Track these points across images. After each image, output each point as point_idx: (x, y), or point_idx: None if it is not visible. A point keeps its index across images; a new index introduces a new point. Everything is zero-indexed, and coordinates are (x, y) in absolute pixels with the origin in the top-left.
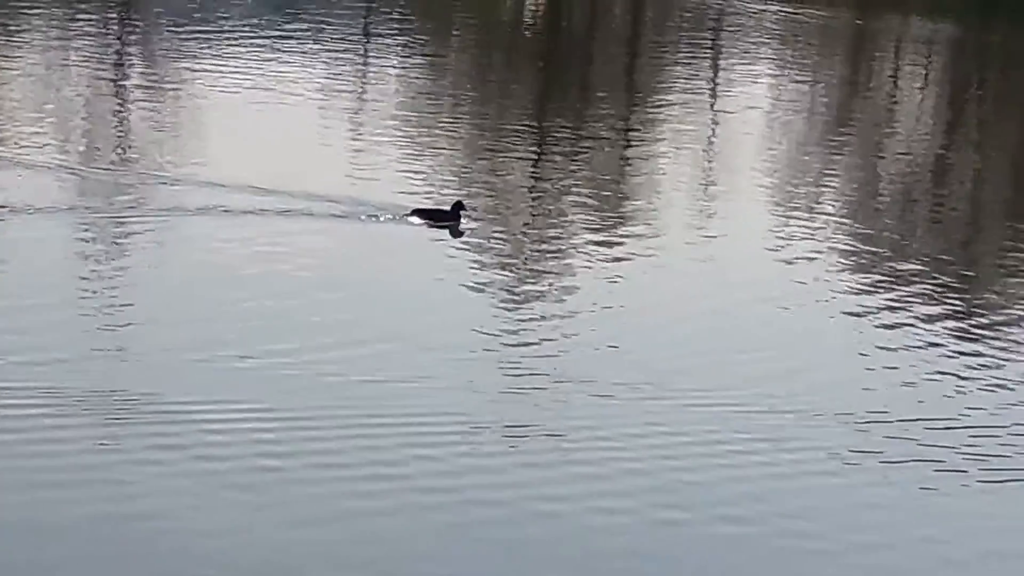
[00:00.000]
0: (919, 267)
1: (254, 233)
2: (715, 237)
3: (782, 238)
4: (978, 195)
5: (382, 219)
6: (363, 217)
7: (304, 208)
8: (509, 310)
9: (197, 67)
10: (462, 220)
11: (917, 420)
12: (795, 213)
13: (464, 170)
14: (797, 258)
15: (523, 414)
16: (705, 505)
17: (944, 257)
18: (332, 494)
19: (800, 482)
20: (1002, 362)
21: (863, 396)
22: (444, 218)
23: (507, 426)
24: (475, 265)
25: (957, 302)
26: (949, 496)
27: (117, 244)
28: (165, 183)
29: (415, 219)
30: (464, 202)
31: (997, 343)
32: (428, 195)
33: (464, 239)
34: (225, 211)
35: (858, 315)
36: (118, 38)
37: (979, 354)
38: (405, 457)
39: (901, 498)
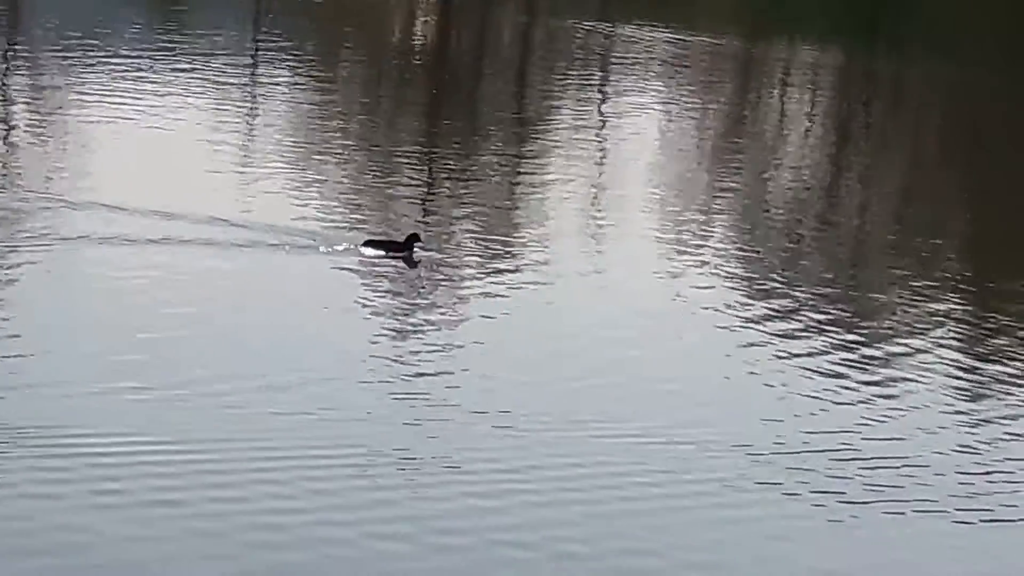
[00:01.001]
0: (810, 295)
1: (150, 261)
2: (607, 267)
3: (673, 267)
4: (865, 221)
5: (324, 249)
6: (323, 249)
7: (196, 236)
8: (405, 340)
9: (83, 91)
10: (415, 251)
11: (816, 451)
12: (685, 241)
13: (354, 197)
14: (689, 287)
15: (421, 446)
16: (606, 537)
17: (833, 285)
18: (231, 528)
19: (702, 514)
20: (894, 389)
21: (760, 426)
22: (398, 249)
23: (405, 458)
24: (372, 294)
25: (848, 330)
26: (851, 527)
27: (4, 271)
28: (52, 209)
29: (368, 250)
30: (419, 234)
31: (888, 371)
32: (321, 222)
33: (360, 267)
34: (120, 238)
35: (751, 344)
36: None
37: (870, 382)
38: (304, 491)
39: (803, 529)
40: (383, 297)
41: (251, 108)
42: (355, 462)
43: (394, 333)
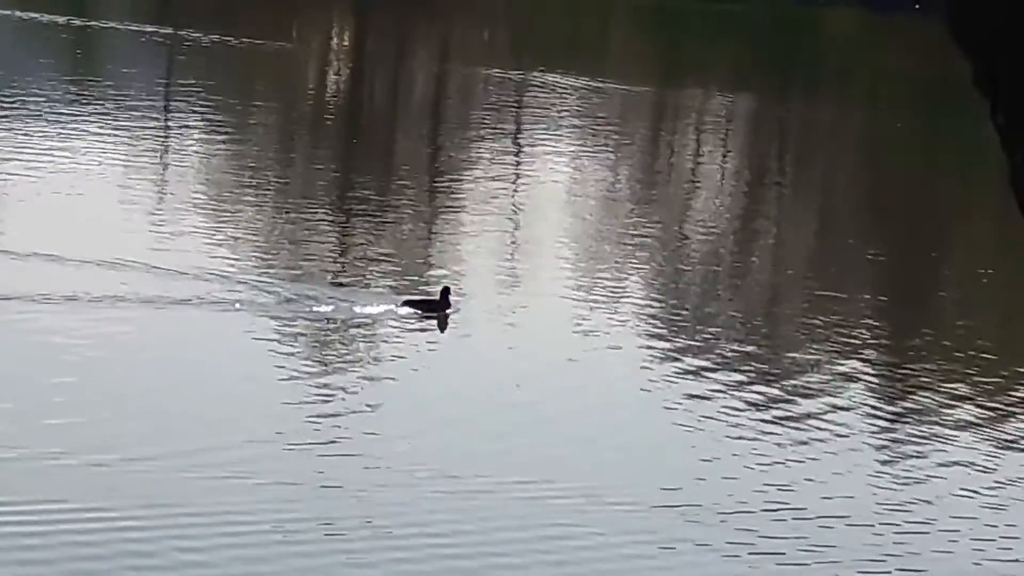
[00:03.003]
0: (727, 350)
1: (63, 319)
2: (522, 321)
3: (589, 319)
4: (780, 271)
5: (238, 306)
6: (237, 305)
7: (109, 291)
8: (323, 399)
9: None
10: (450, 305)
11: (750, 510)
12: (600, 292)
13: (267, 247)
14: (604, 342)
15: (341, 508)
16: None
17: (749, 339)
18: None
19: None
20: (819, 444)
21: (692, 484)
22: (433, 307)
23: (325, 522)
24: (287, 350)
25: (768, 385)
26: None
27: None
28: None
29: (405, 309)
30: (449, 287)
31: (811, 426)
32: (233, 270)
33: (276, 319)
34: (33, 296)
35: (673, 400)
36: None
37: (796, 438)
38: (223, 559)
39: None
40: (299, 353)
41: (163, 156)
42: (274, 527)
43: (311, 392)
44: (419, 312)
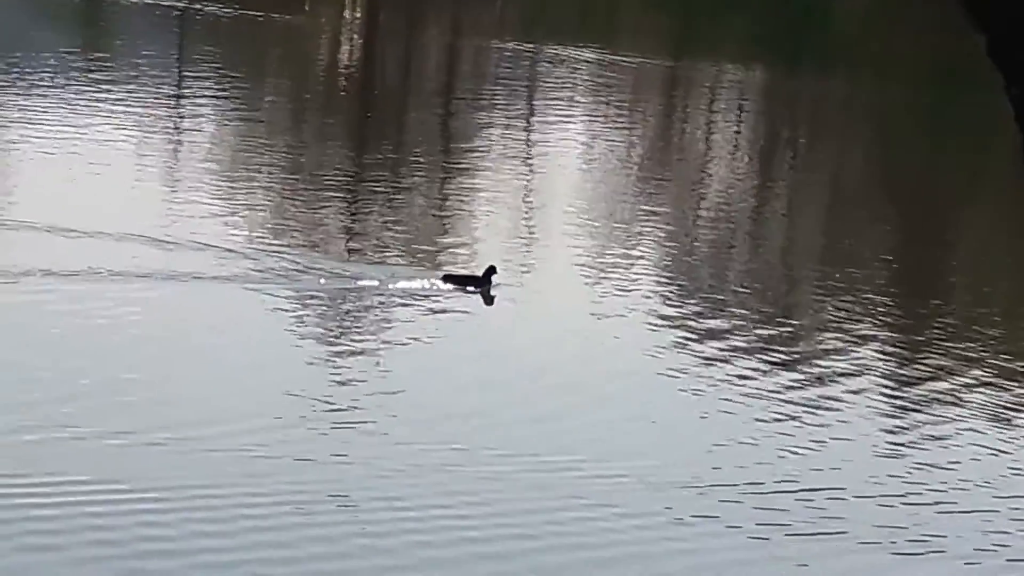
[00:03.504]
0: (738, 321)
1: (65, 296)
2: (536, 294)
3: (602, 293)
4: (792, 243)
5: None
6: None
7: (122, 265)
8: (338, 375)
9: (3, 115)
10: (492, 283)
11: (754, 483)
12: (614, 266)
13: (280, 223)
14: (617, 314)
15: (357, 482)
16: (545, 572)
17: (761, 311)
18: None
19: (642, 549)
20: (827, 417)
21: (697, 458)
22: (475, 283)
23: (301, 504)
24: (294, 324)
25: (777, 358)
26: (796, 561)
27: None
28: None
29: (446, 284)
30: (495, 266)
31: (820, 398)
32: (251, 250)
33: (282, 296)
34: (45, 269)
35: (680, 373)
36: None
37: (804, 411)
38: (186, 533)
39: (747, 564)
40: (306, 326)
41: (176, 130)
42: (250, 501)
43: (325, 364)
44: (460, 287)
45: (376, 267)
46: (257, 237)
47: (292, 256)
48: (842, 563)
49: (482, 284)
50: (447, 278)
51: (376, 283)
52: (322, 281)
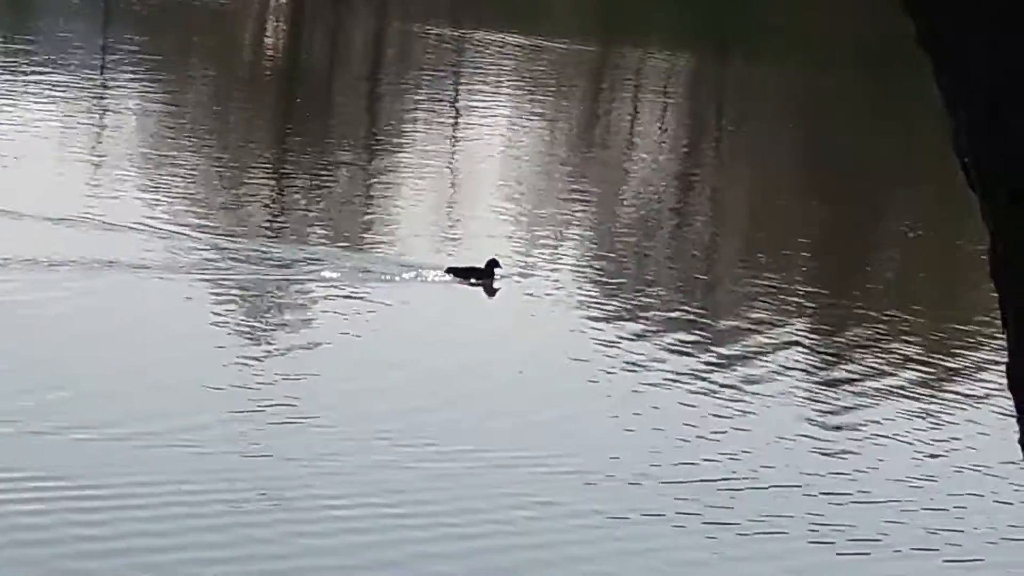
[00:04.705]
0: (664, 313)
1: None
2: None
3: (523, 282)
4: (718, 231)
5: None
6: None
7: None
8: (261, 362)
9: None
10: (495, 276)
11: (700, 480)
12: (536, 251)
13: (203, 206)
14: (541, 305)
15: (289, 477)
16: (487, 572)
17: (688, 303)
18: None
19: (588, 549)
20: (764, 412)
21: (635, 455)
22: (478, 275)
23: (231, 501)
24: (217, 305)
25: (705, 350)
26: (745, 561)
27: None
28: None
29: (448, 276)
30: (498, 259)
31: (754, 392)
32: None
33: (204, 281)
34: None
35: (609, 367)
36: None
37: (738, 407)
38: (122, 532)
39: (697, 564)
40: (231, 311)
41: (101, 115)
42: (175, 499)
43: (248, 356)
44: (462, 280)
45: (376, 258)
46: (185, 222)
47: (240, 242)
48: (798, 563)
49: (484, 276)
50: (450, 270)
51: (379, 274)
52: (326, 275)
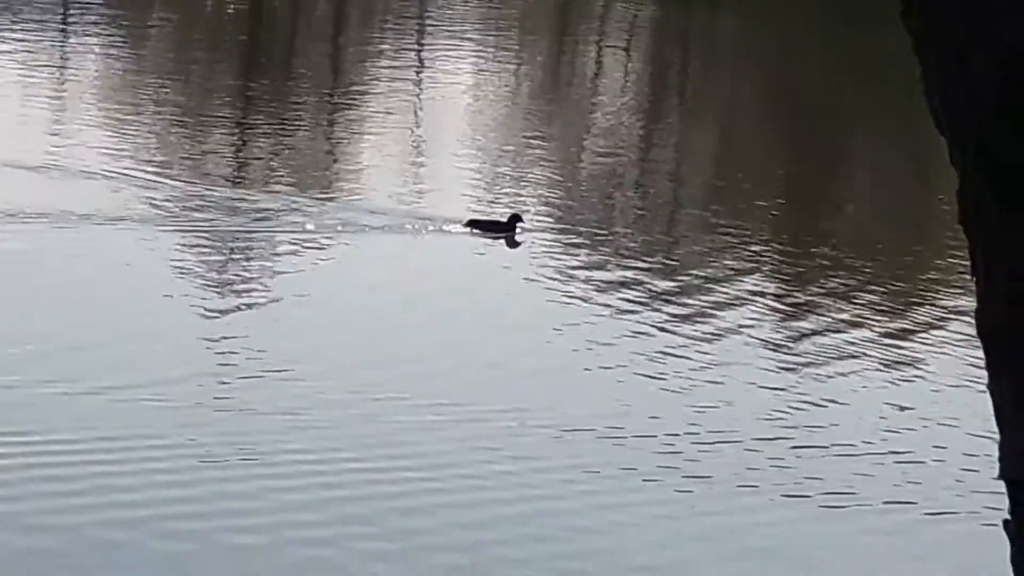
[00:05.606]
0: (632, 266)
1: None
2: (419, 237)
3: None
4: (682, 179)
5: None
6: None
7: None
8: (225, 315)
9: None
10: (517, 231)
11: (674, 434)
12: (498, 204)
13: (166, 159)
14: (504, 261)
15: (259, 430)
16: (462, 528)
17: (653, 255)
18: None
19: (564, 504)
20: (734, 367)
21: (611, 409)
22: (500, 228)
23: (205, 459)
24: (177, 257)
25: (674, 303)
26: (720, 514)
27: None
28: None
29: (470, 229)
30: (521, 214)
31: (725, 347)
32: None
33: (169, 232)
34: None
35: (575, 320)
36: None
37: (707, 361)
38: (89, 487)
39: (671, 518)
40: (192, 262)
41: (62, 68)
42: (153, 453)
43: (212, 309)
44: (485, 232)
45: (342, 208)
46: (145, 171)
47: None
48: (772, 517)
49: (507, 230)
50: (472, 223)
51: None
52: (307, 225)
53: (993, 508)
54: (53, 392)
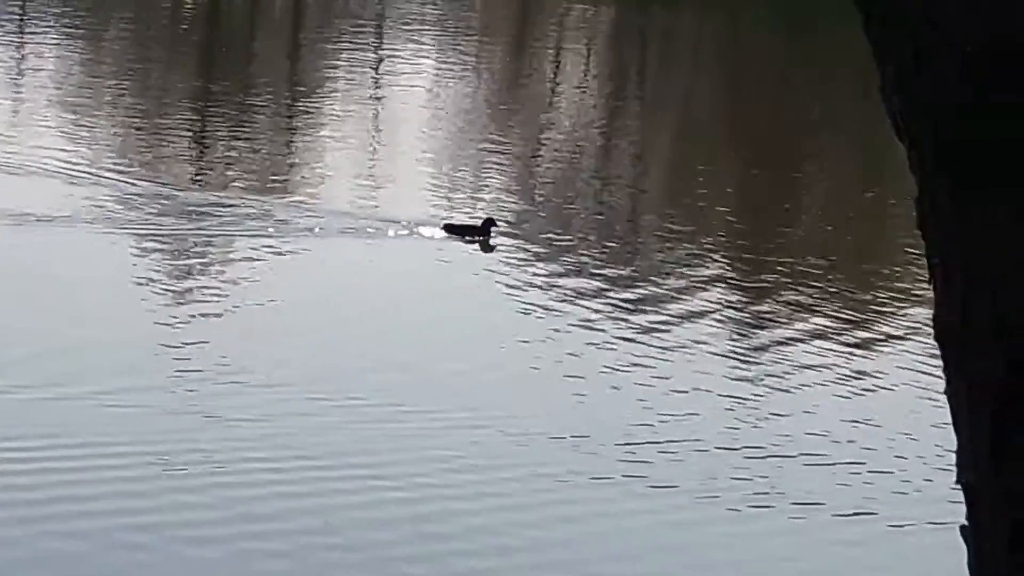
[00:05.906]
0: (592, 267)
1: None
2: (377, 238)
3: (447, 238)
4: (639, 179)
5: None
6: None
7: None
8: (196, 318)
9: None
10: (491, 235)
11: (644, 442)
12: (458, 203)
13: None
14: (465, 262)
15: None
16: (429, 539)
17: (612, 261)
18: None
19: (537, 513)
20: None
21: (576, 415)
22: (474, 233)
23: (157, 461)
24: (138, 261)
25: (635, 308)
26: (693, 525)
27: None
28: None
29: (444, 234)
30: (495, 219)
31: (686, 352)
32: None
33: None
34: None
35: (540, 323)
36: None
37: (669, 367)
38: (46, 498)
39: (644, 529)
40: (151, 264)
41: (18, 69)
42: (112, 462)
43: (169, 310)
44: (459, 237)
45: (362, 215)
46: (102, 172)
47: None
48: (742, 528)
49: (481, 234)
50: (447, 227)
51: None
52: (268, 229)
53: (956, 519)
54: (12, 398)
